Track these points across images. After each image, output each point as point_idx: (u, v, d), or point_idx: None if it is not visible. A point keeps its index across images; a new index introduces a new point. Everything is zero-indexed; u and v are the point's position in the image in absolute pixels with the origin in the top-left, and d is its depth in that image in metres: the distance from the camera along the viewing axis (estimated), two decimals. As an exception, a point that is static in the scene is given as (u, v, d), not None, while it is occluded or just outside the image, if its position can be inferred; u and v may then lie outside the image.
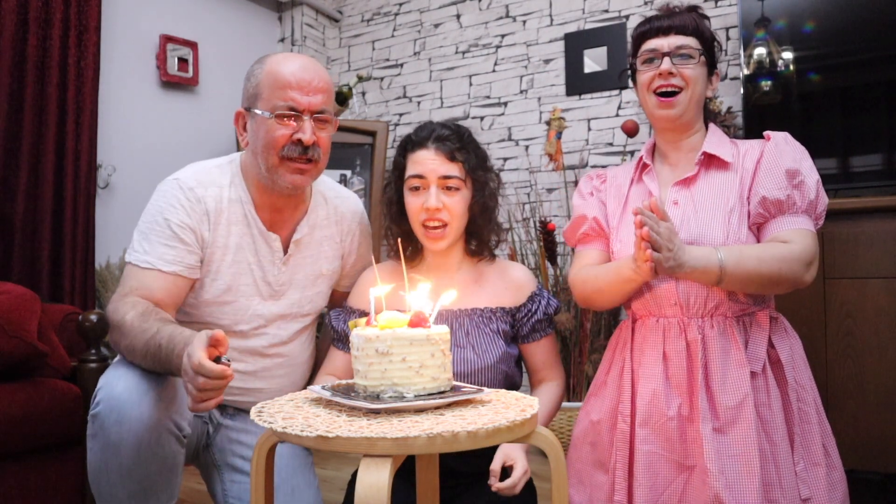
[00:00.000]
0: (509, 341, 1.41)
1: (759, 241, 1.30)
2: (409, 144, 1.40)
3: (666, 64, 1.33)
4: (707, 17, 1.41)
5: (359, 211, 1.57)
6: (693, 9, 1.39)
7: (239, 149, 1.48)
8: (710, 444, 1.20)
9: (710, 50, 1.36)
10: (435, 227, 1.35)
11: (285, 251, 1.42)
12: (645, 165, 1.44)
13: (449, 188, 1.35)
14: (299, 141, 1.29)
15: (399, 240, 1.37)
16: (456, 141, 1.37)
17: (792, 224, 1.25)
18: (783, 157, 1.29)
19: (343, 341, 1.40)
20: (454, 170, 1.35)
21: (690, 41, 1.34)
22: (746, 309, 1.29)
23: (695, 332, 1.27)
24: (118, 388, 1.14)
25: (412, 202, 1.37)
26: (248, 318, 1.40)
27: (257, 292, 1.39)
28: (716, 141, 1.37)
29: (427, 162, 1.35)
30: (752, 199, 1.29)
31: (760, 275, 1.20)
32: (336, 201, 1.52)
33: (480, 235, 1.42)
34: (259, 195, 1.38)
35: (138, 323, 1.17)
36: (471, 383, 1.30)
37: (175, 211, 1.31)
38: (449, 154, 1.35)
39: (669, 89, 1.33)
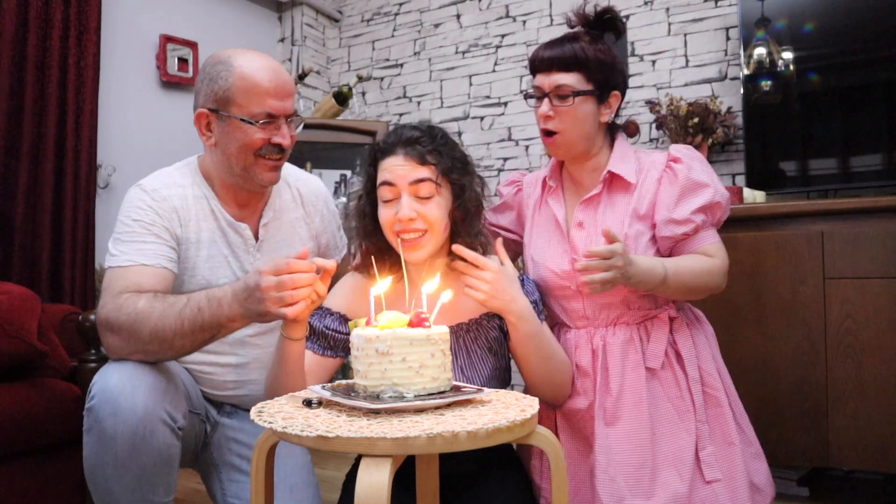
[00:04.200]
0: (500, 347, 1.35)
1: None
2: (378, 152, 1.31)
3: (544, 107, 1.38)
4: (599, 37, 1.39)
5: (322, 192, 1.60)
6: (577, 36, 1.38)
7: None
8: (602, 439, 1.31)
9: (599, 78, 1.37)
10: (410, 239, 1.25)
11: (256, 238, 1.44)
12: (549, 187, 1.50)
13: (421, 196, 1.25)
14: (277, 144, 1.33)
15: (373, 257, 1.28)
16: (427, 143, 1.27)
17: (708, 239, 1.37)
18: (686, 182, 1.36)
19: (314, 340, 1.33)
20: (425, 173, 1.25)
21: (570, 78, 1.35)
22: (648, 314, 1.39)
23: (598, 341, 1.39)
24: (112, 380, 1.14)
25: (385, 213, 1.27)
26: None
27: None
28: (619, 158, 1.41)
29: (396, 168, 1.25)
30: (658, 223, 1.37)
31: (692, 287, 1.33)
32: (298, 184, 1.55)
33: (464, 243, 1.29)
34: (223, 192, 1.41)
35: (158, 304, 1.16)
36: None
37: (143, 212, 1.33)
38: (419, 158, 1.25)
39: (550, 130, 1.39)
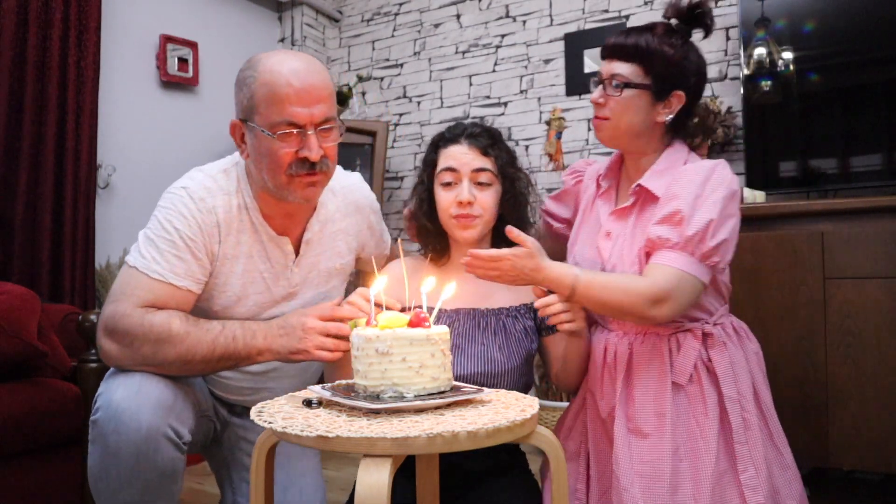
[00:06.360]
0: (534, 337, 1.41)
1: None
2: (442, 141, 1.42)
3: (595, 93, 1.36)
4: (676, 32, 1.33)
5: (368, 196, 1.53)
6: (652, 27, 1.33)
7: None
8: (622, 448, 1.27)
9: (661, 73, 1.30)
10: (466, 218, 1.35)
11: (297, 252, 1.38)
12: (601, 187, 1.45)
13: (480, 183, 1.36)
14: (305, 158, 1.21)
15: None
16: (488, 138, 1.39)
17: (660, 259, 1.24)
18: (678, 191, 1.26)
19: None
20: (487, 163, 1.36)
21: (625, 69, 1.31)
22: (680, 327, 1.32)
23: (624, 348, 1.33)
24: (117, 395, 1.13)
25: (444, 196, 1.37)
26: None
27: (270, 297, 1.36)
28: (659, 170, 1.33)
29: (460, 156, 1.37)
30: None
31: (605, 302, 1.24)
32: (344, 192, 1.46)
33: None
34: (266, 204, 1.32)
35: (193, 329, 1.17)
36: (494, 384, 1.30)
37: (186, 221, 1.24)
38: (482, 149, 1.37)
39: (598, 116, 1.36)
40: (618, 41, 1.33)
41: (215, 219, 1.27)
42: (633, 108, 1.31)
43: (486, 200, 1.36)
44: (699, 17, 1.35)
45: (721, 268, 1.28)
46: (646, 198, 1.33)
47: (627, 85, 1.30)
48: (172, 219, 1.24)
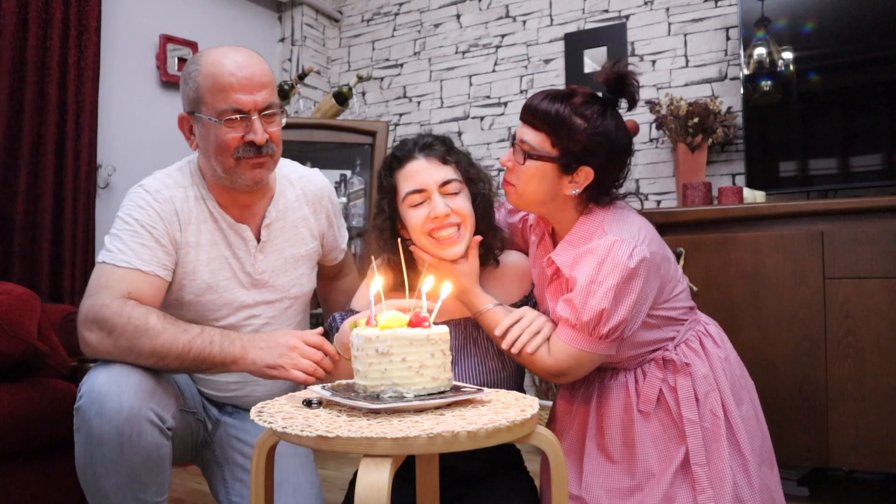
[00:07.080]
0: None
1: None
2: (395, 162, 1.34)
3: (505, 155, 1.31)
4: (595, 103, 1.24)
5: (326, 187, 1.56)
6: (571, 95, 1.25)
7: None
8: (592, 474, 1.29)
9: (570, 147, 1.23)
10: (447, 235, 1.29)
11: (258, 240, 1.41)
12: (534, 240, 1.43)
13: (450, 194, 1.30)
14: (251, 142, 1.27)
15: (399, 240, 1.30)
16: (442, 145, 1.33)
17: (562, 335, 1.24)
18: (576, 275, 1.23)
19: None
20: (451, 172, 1.31)
21: (533, 137, 1.24)
22: (644, 359, 1.33)
23: (593, 380, 1.36)
24: (99, 380, 1.15)
25: (416, 215, 1.29)
26: (235, 311, 1.40)
27: (239, 284, 1.39)
28: (573, 240, 1.28)
29: (421, 173, 1.29)
30: None
31: (511, 353, 1.27)
32: (301, 182, 1.50)
33: (485, 239, 1.36)
34: (220, 195, 1.37)
35: (171, 327, 1.20)
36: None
37: (145, 212, 1.30)
38: (441, 158, 1.31)
39: (507, 180, 1.31)
40: (532, 104, 1.26)
41: (173, 207, 1.33)
42: (537, 178, 1.25)
43: (463, 207, 1.30)
44: (624, 88, 1.27)
45: (625, 338, 1.25)
46: (560, 273, 1.30)
47: (531, 155, 1.24)
48: (132, 212, 1.30)
